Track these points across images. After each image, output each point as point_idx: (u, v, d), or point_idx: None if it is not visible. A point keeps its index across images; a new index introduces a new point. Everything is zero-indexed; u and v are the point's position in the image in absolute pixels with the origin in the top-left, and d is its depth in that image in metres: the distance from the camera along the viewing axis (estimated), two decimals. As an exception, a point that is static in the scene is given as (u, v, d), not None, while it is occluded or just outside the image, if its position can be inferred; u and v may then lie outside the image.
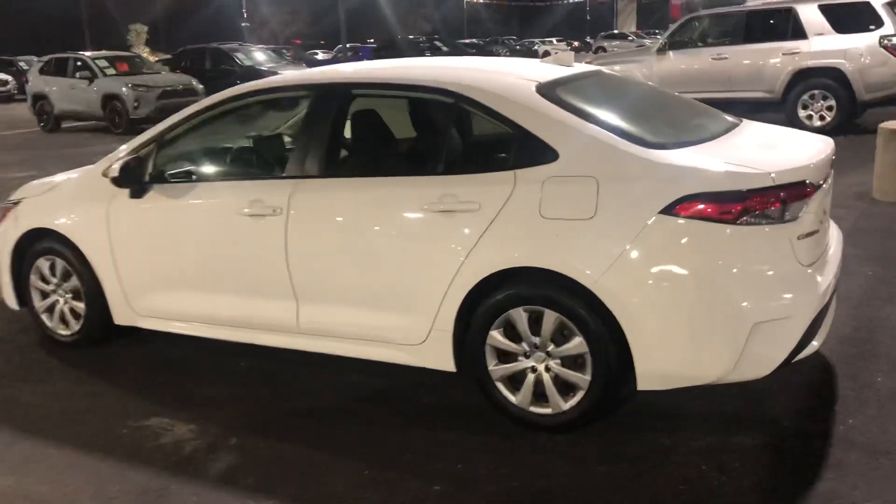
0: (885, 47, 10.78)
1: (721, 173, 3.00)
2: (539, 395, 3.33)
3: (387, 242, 3.51)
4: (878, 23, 10.92)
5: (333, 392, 3.89)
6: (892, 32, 10.78)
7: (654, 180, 3.04)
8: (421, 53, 27.69)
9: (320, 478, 3.12)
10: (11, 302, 4.75)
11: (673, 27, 13.24)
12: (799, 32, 11.34)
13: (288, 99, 4.37)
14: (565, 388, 3.28)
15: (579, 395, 3.24)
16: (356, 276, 3.62)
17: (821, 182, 3.23)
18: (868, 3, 11.12)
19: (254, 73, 20.18)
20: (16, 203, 4.67)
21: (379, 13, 64.98)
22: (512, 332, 3.33)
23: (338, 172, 3.74)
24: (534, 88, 3.42)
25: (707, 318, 3.00)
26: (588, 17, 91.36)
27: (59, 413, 3.80)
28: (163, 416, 3.70)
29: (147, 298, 4.23)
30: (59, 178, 4.73)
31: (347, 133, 3.96)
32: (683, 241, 2.99)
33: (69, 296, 4.51)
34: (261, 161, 4.43)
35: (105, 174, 4.25)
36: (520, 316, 3.27)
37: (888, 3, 11.03)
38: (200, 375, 4.16)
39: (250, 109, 4.31)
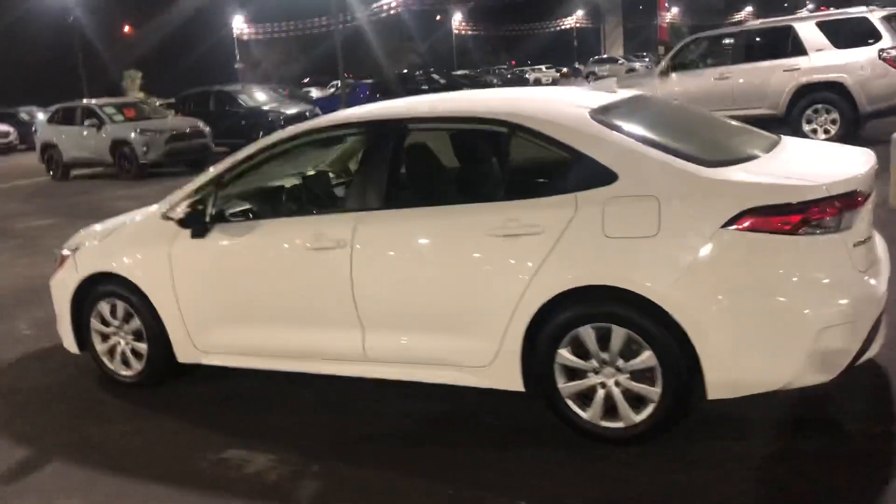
0: (885, 59, 11.04)
1: (778, 187, 3.15)
2: (609, 410, 3.45)
3: (451, 268, 3.65)
4: (877, 36, 11.18)
5: (400, 417, 4.00)
6: (891, 45, 11.04)
7: (713, 197, 3.18)
8: (419, 86, 28.02)
9: (408, 499, 3.22)
10: (72, 347, 4.86)
11: (674, 49, 13.50)
12: (798, 49, 11.60)
13: (342, 136, 4.52)
14: (635, 401, 3.39)
15: (650, 408, 3.35)
16: (421, 303, 3.75)
17: (869, 191, 3.38)
18: (866, 17, 11.40)
19: (258, 113, 20.52)
20: (73, 250, 4.80)
21: (368, 50, 65.80)
22: (580, 350, 3.45)
23: (399, 204, 3.88)
24: (587, 114, 3.59)
25: (773, 326, 3.13)
26: (575, 43, 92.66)
27: (136, 451, 3.90)
28: (239, 447, 3.80)
29: (210, 335, 4.35)
30: (114, 222, 4.87)
31: (405, 166, 4.12)
32: (745, 253, 3.13)
33: (131, 337, 4.63)
34: (317, 197, 4.58)
35: (166, 216, 4.40)
36: (588, 333, 3.40)
37: (885, 17, 11.31)
38: (268, 407, 4.27)
39: (304, 148, 4.46)
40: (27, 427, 4.30)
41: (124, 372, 4.70)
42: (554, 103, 3.84)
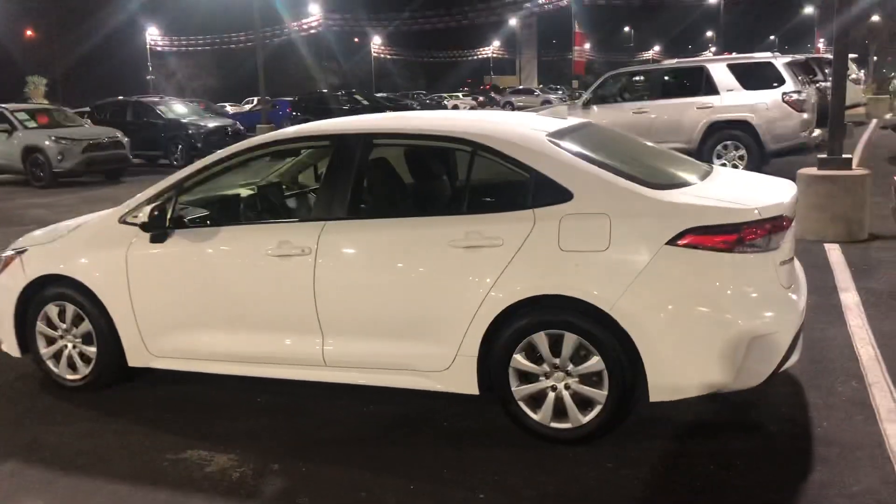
0: (787, 102, 11.89)
1: (717, 209, 3.50)
2: (558, 412, 3.70)
3: (413, 277, 3.85)
4: (781, 80, 12.04)
5: (356, 421, 4.15)
6: (793, 89, 11.91)
7: (659, 216, 3.50)
8: (341, 106, 28.12)
9: (371, 493, 3.38)
10: (13, 350, 4.80)
11: (595, 84, 14.12)
12: (711, 89, 12.37)
13: (308, 147, 4.67)
14: (583, 403, 3.66)
15: (597, 409, 3.63)
16: (382, 310, 3.93)
17: (792, 216, 3.78)
18: (770, 63, 12.27)
19: (177, 125, 20.26)
20: (20, 252, 4.76)
21: (286, 67, 65.44)
22: (533, 355, 3.70)
23: (363, 214, 4.07)
24: (545, 137, 3.87)
25: (710, 335, 3.45)
26: (492, 74, 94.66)
27: (91, 452, 3.92)
28: (198, 448, 3.87)
29: (165, 339, 4.40)
30: (65, 226, 4.87)
31: (370, 178, 4.30)
32: (686, 267, 3.45)
33: (79, 340, 4.62)
34: (278, 205, 4.71)
35: (124, 220, 4.44)
36: (542, 339, 3.65)
37: (788, 63, 12.20)
38: (222, 410, 4.35)
39: (264, 158, 4.59)
40: (-30, 429, 4.24)
41: (70, 376, 4.68)
42: (514, 126, 4.12)
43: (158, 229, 4.28)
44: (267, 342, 4.19)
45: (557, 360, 3.66)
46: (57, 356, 4.70)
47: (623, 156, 4.12)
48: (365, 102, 28.51)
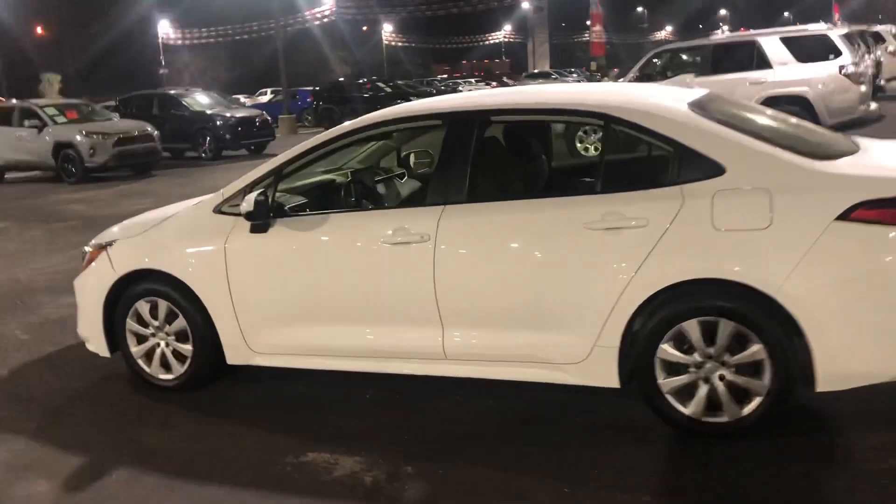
0: (845, 75, 11.51)
1: (891, 180, 3.20)
2: (712, 404, 3.42)
3: (544, 263, 3.57)
4: (837, 52, 11.65)
5: (478, 417, 3.89)
6: (850, 61, 11.53)
7: (826, 189, 3.21)
8: (362, 94, 27.83)
9: (526, 498, 3.12)
10: (102, 349, 4.56)
11: (640, 62, 13.76)
12: (763, 63, 11.99)
13: (422, 127, 4.37)
14: (739, 395, 3.38)
15: (757, 401, 3.34)
16: (510, 299, 3.66)
17: None
18: (826, 35, 11.88)
19: (204, 117, 20.01)
20: (105, 246, 4.52)
21: (299, 58, 65.04)
22: (682, 345, 3.42)
23: (486, 197, 3.78)
24: (686, 107, 3.58)
25: (887, 317, 3.16)
26: (504, 58, 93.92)
27: (206, 456, 3.68)
28: (319, 451, 3.62)
29: (268, 335, 4.14)
30: (153, 217, 4.62)
31: (491, 158, 4.02)
32: (859, 245, 3.16)
33: (172, 338, 4.37)
34: (384, 192, 4.44)
35: (219, 210, 4.19)
36: (693, 327, 3.37)
37: (845, 35, 11.81)
38: (330, 408, 4.10)
39: (372, 140, 4.32)
40: (68, 435, 4.00)
41: (164, 375, 4.44)
42: (649, 97, 3.82)
43: (263, 218, 4.01)
44: (381, 335, 3.93)
45: (711, 350, 3.38)
46: (149, 355, 4.46)
47: (768, 126, 3.82)
48: (388, 89, 28.22)
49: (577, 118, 3.77)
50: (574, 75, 54.76)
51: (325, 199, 4.36)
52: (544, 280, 3.58)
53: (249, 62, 64.84)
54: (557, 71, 55.73)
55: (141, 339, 4.46)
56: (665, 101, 3.70)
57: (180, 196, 6.75)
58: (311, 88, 32.55)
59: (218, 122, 19.79)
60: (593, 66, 52.18)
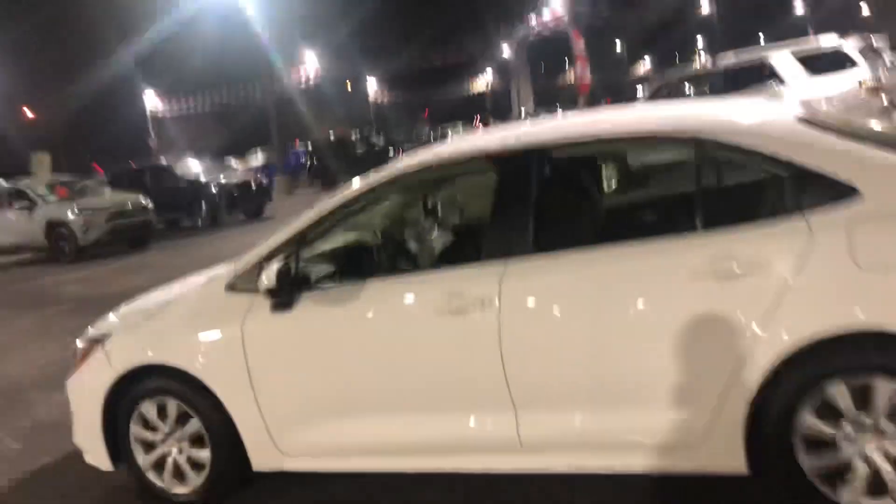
0: (866, 90, 10.99)
1: None
2: (878, 488, 2.71)
3: (640, 323, 2.90)
4: (853, 64, 11.16)
5: (567, 517, 3.18)
6: (869, 75, 11.02)
7: None
8: (356, 149, 27.45)
9: None
10: (102, 461, 3.85)
11: (650, 92, 13.27)
12: (777, 79, 11.47)
13: (463, 172, 3.72)
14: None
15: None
16: (598, 371, 2.98)
17: None
18: (839, 48, 11.40)
19: (197, 184, 19.46)
20: (101, 340, 3.83)
21: (286, 119, 64.84)
22: (827, 414, 2.73)
23: (555, 246, 3.12)
24: (796, 121, 2.95)
25: None
26: (488, 105, 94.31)
27: None
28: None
29: (302, 432, 3.45)
30: (153, 302, 3.94)
31: (557, 200, 3.36)
32: None
33: (187, 443, 3.67)
34: (420, 250, 3.79)
35: (233, 288, 3.53)
36: (841, 391, 2.69)
37: (863, 48, 11.34)
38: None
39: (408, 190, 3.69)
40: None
41: (179, 489, 3.72)
42: (746, 113, 3.19)
43: (287, 293, 3.34)
44: (438, 425, 3.24)
45: (866, 418, 2.69)
46: (159, 465, 3.74)
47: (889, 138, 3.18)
48: (381, 143, 27.80)
49: (661, 143, 3.14)
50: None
51: (355, 265, 3.70)
52: (642, 345, 2.90)
53: (237, 125, 64.77)
54: (545, 109, 55.64)
55: (149, 446, 3.75)
56: (768, 116, 3.07)
57: (179, 269, 6.11)
58: (303, 149, 32.15)
59: (213, 189, 19.24)
60: (581, 101, 52.12)
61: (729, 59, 12.66)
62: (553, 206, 3.24)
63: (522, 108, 59.98)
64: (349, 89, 79.08)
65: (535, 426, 3.09)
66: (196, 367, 3.54)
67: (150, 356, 3.63)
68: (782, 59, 11.56)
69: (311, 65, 61.92)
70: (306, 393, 3.43)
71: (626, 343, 2.92)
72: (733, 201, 3.08)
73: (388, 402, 3.31)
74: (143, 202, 16.57)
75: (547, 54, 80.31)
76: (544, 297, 3.03)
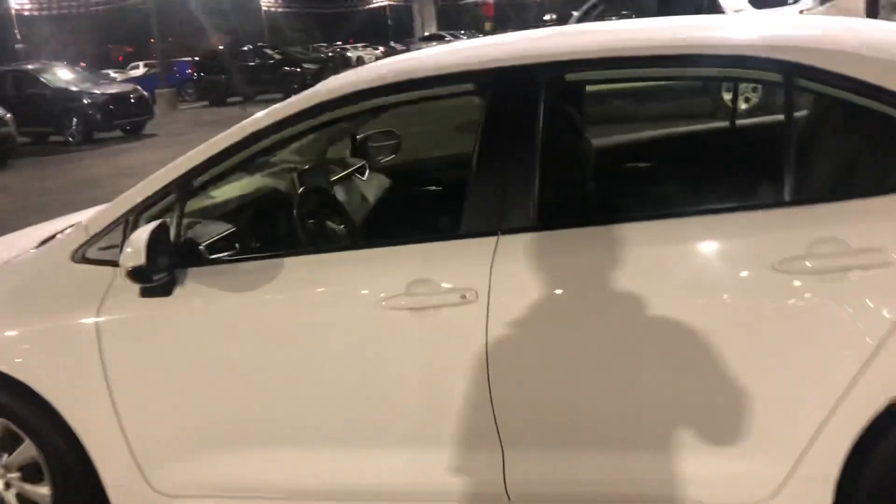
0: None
1: None
2: None
3: (699, 335, 1.98)
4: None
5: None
6: (811, 6, 10.42)
7: None
8: (247, 62, 25.43)
9: None
10: None
11: (581, 11, 12.29)
12: (715, 9, 10.73)
13: (429, 96, 2.59)
14: None
15: None
16: (630, 397, 2.07)
17: None
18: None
19: (69, 95, 17.34)
20: None
21: (172, 30, 60.29)
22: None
23: (572, 219, 2.14)
24: None
25: None
26: (389, 22, 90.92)
27: None
28: None
29: (185, 466, 2.40)
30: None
31: (574, 146, 2.34)
32: None
33: (15, 475, 2.56)
34: (367, 210, 2.73)
35: (84, 257, 2.40)
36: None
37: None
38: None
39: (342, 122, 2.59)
40: None
41: (3, 539, 2.62)
42: (855, 32, 2.24)
43: (161, 272, 2.23)
44: (386, 463, 2.27)
45: None
46: (-27, 506, 2.63)
47: None
48: (277, 56, 25.80)
49: (739, 69, 2.17)
50: (463, 36, 53.03)
51: (265, 228, 2.62)
52: (695, 365, 1.99)
53: (117, 35, 60.18)
54: (451, 33, 54.09)
55: (-45, 480, 2.62)
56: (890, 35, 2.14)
57: (41, 194, 4.80)
58: (189, 59, 29.62)
59: (86, 101, 17.11)
60: (488, 26, 50.74)
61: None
62: (574, 156, 2.22)
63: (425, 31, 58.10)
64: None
65: (531, 470, 2.16)
66: (28, 371, 2.41)
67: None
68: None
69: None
70: (193, 411, 2.37)
71: (677, 359, 2.01)
72: (834, 161, 2.16)
73: (311, 430, 2.30)
74: (1, 112, 14.46)
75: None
76: (556, 290, 2.05)
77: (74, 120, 17.06)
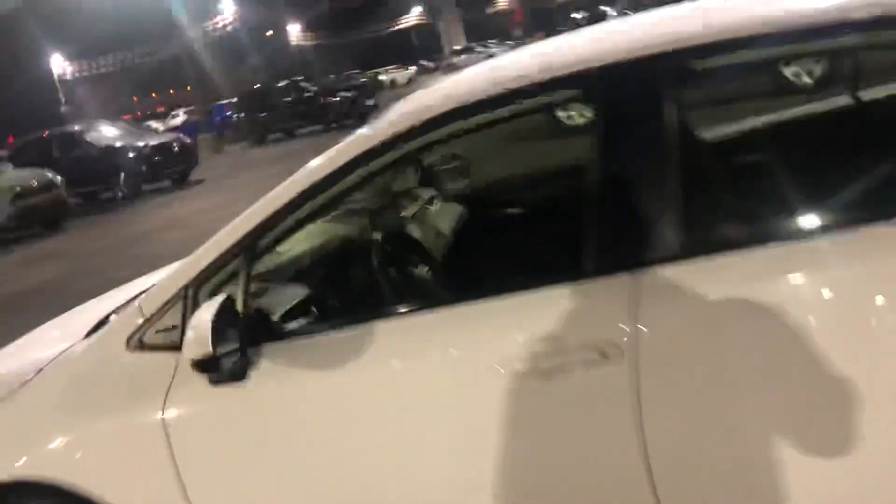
0: None
1: None
2: None
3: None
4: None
5: None
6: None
7: None
8: (284, 99, 25.39)
9: None
10: None
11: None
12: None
13: (527, 111, 2.18)
14: None
15: None
16: (827, 452, 1.63)
17: None
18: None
19: (112, 151, 17.38)
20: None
21: (209, 76, 61.25)
22: None
23: (734, 237, 1.72)
24: None
25: None
26: (416, 42, 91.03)
27: None
28: None
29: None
30: (6, 370, 2.43)
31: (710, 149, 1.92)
32: None
33: None
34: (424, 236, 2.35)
35: (140, 342, 2.06)
36: None
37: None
38: None
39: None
40: None
41: None
42: None
43: (231, 356, 1.86)
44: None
45: None
46: None
47: None
48: (313, 89, 25.70)
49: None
50: (492, 46, 52.58)
51: (342, 283, 2.25)
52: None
53: (155, 87, 61.38)
54: (481, 43, 53.95)
55: None
56: None
57: (96, 257, 4.54)
58: (226, 102, 29.81)
59: (131, 155, 17.15)
60: (519, 31, 50.43)
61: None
62: (719, 162, 1.80)
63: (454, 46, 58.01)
64: (267, 37, 75.63)
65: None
66: (87, 480, 2.07)
67: (20, 468, 2.14)
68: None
69: (228, 13, 58.49)
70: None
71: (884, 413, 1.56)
72: None
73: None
74: (51, 177, 14.52)
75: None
76: (734, 334, 1.63)
77: (122, 175, 17.10)
